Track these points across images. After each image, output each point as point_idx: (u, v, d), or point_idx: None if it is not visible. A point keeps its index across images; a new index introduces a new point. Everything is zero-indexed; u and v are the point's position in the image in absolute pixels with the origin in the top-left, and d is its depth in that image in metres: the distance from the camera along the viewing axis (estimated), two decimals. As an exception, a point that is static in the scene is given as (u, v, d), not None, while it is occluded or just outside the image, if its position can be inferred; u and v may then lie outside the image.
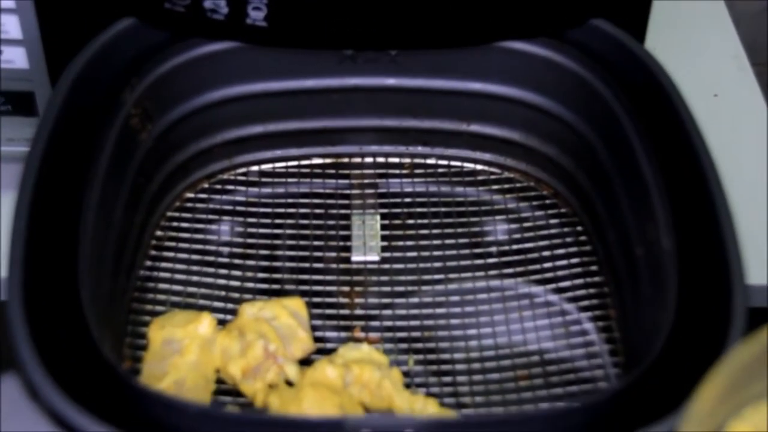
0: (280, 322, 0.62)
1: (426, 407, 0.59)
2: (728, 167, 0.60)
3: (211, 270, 0.66)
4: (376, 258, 0.69)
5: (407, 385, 0.61)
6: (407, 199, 0.72)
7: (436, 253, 0.68)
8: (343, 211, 0.71)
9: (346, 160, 0.73)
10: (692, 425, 0.40)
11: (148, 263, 0.66)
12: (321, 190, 0.72)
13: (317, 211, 0.71)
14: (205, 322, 0.61)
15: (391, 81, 0.70)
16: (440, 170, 0.73)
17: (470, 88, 0.70)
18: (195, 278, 0.66)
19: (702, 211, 0.57)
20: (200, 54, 0.66)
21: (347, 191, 0.72)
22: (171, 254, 0.67)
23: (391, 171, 0.73)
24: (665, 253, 0.56)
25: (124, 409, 0.47)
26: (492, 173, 0.73)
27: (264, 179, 0.72)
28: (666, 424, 0.47)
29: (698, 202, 0.58)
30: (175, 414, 0.48)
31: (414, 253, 0.68)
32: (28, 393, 0.47)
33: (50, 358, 0.48)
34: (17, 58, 0.69)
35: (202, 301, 0.65)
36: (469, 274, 0.67)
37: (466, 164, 0.73)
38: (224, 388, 0.60)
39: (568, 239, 0.69)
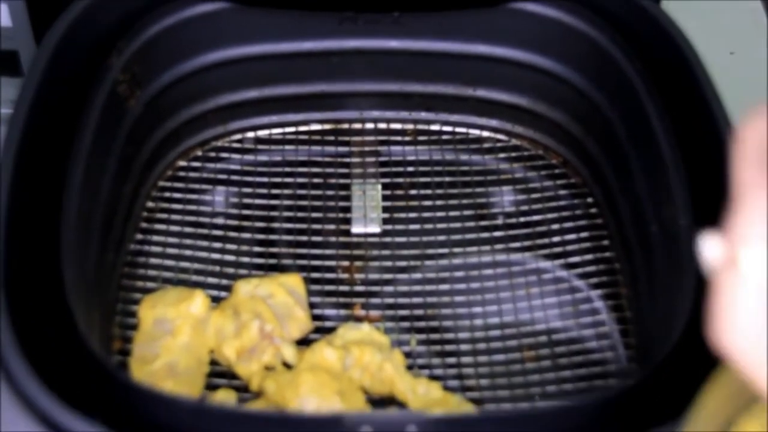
0: (277, 300, 0.59)
1: (429, 391, 0.57)
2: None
3: (204, 243, 0.64)
4: (377, 230, 0.66)
5: (409, 367, 0.58)
6: (410, 168, 0.69)
7: (439, 225, 0.66)
8: (342, 180, 0.68)
9: (345, 125, 0.70)
10: (701, 423, 0.38)
11: (139, 236, 0.63)
12: (319, 158, 0.69)
13: (315, 180, 0.68)
14: (198, 301, 0.59)
15: (393, 43, 0.66)
16: (444, 137, 0.70)
17: (476, 51, 0.67)
18: (188, 252, 0.63)
19: (720, 188, 0.54)
20: (192, 15, 0.63)
21: (347, 159, 0.69)
22: (163, 227, 0.64)
23: (393, 137, 0.70)
24: (682, 231, 0.53)
25: (113, 406, 0.45)
26: (498, 140, 0.70)
27: (260, 146, 0.69)
28: (682, 421, 0.45)
29: (716, 177, 0.54)
30: (166, 410, 0.45)
31: (417, 225, 0.65)
32: (11, 389, 0.44)
33: (34, 350, 0.45)
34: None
35: (195, 277, 0.62)
36: (474, 248, 0.65)
37: (471, 131, 0.70)
38: (218, 370, 0.58)
39: (578, 211, 0.66)
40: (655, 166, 0.58)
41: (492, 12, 0.64)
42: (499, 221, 0.66)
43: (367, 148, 0.70)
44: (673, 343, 0.48)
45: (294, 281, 0.61)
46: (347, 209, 0.66)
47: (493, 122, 0.70)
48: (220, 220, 0.65)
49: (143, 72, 0.62)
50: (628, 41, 0.62)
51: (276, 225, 0.65)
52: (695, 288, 0.51)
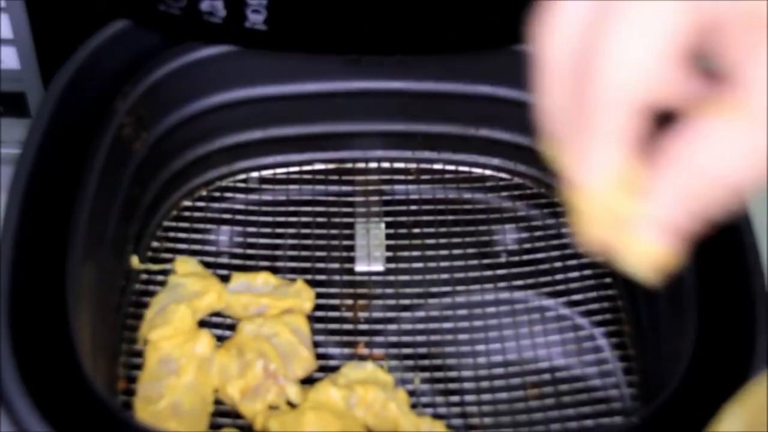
0: (281, 339, 0.60)
1: (433, 430, 0.57)
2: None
3: (209, 282, 0.64)
4: (380, 268, 0.66)
5: (413, 406, 0.58)
6: (413, 206, 0.69)
7: (443, 263, 0.66)
8: (346, 219, 0.68)
9: (349, 165, 0.71)
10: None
11: (144, 277, 0.64)
12: (323, 197, 0.69)
13: (319, 219, 0.68)
14: (203, 341, 0.59)
15: (396, 84, 0.67)
16: (447, 176, 0.71)
17: (479, 91, 0.67)
18: (192, 291, 0.63)
19: (723, 228, 0.54)
20: (196, 58, 0.64)
21: (351, 198, 0.69)
22: (168, 266, 0.64)
23: (396, 177, 0.70)
24: (684, 272, 0.54)
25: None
26: (501, 179, 0.70)
27: (264, 186, 0.70)
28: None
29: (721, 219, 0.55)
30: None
31: (420, 264, 0.66)
32: (14, 427, 0.44)
33: (37, 389, 0.46)
34: (8, 58, 0.67)
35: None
36: (477, 286, 0.65)
37: (474, 169, 0.71)
38: (222, 410, 0.58)
39: (581, 250, 0.66)
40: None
41: (493, 54, 0.65)
42: (503, 259, 0.66)
43: (370, 188, 0.70)
44: (676, 382, 0.49)
45: (298, 320, 0.61)
46: (351, 248, 0.67)
47: (496, 161, 0.70)
48: (224, 260, 0.65)
49: (149, 114, 0.63)
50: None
51: (280, 264, 0.66)
52: (697, 327, 0.51)
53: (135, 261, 0.63)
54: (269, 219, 0.68)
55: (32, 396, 0.46)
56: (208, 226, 0.67)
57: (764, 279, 0.52)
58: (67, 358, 0.48)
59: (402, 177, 0.71)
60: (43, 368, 0.47)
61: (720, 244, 0.54)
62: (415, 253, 0.66)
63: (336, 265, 0.66)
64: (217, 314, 0.62)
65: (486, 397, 0.60)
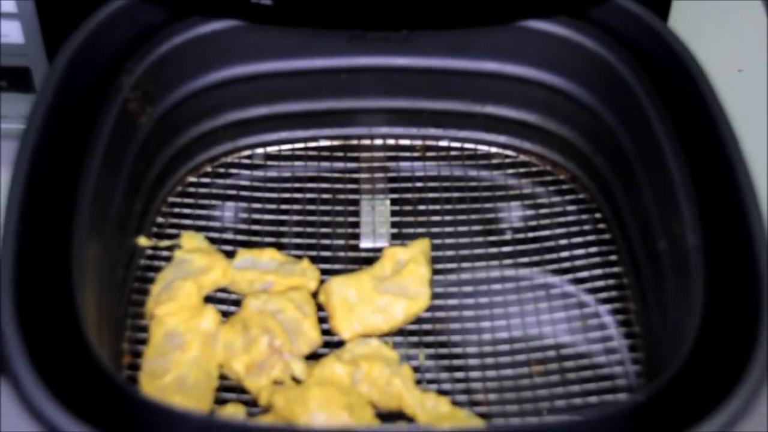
0: (286, 315, 0.60)
1: (437, 406, 0.57)
2: (753, 145, 0.58)
3: (214, 258, 0.64)
4: (385, 245, 0.66)
5: (418, 382, 0.59)
6: (418, 183, 0.69)
7: (448, 240, 0.66)
8: (351, 196, 0.68)
9: (355, 142, 0.71)
10: None
11: (149, 252, 0.64)
12: (328, 174, 0.69)
13: (324, 195, 0.68)
14: (209, 317, 0.59)
15: (402, 61, 0.67)
16: (453, 153, 0.70)
17: (485, 68, 0.67)
18: (197, 267, 0.63)
19: (729, 205, 0.54)
20: (202, 33, 0.63)
21: (356, 175, 0.69)
22: (173, 242, 0.64)
23: (401, 153, 0.70)
24: (691, 249, 0.54)
25: (122, 420, 0.45)
26: (507, 156, 0.70)
27: (269, 162, 0.69)
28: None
29: (725, 196, 0.55)
30: (176, 424, 0.45)
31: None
32: (20, 400, 0.44)
33: (43, 363, 0.46)
34: (12, 32, 0.67)
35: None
36: (482, 263, 0.65)
37: (480, 147, 0.70)
38: (227, 385, 0.58)
39: (586, 227, 0.66)
40: (664, 183, 0.58)
41: (501, 30, 0.65)
42: (508, 236, 0.66)
43: (376, 164, 0.70)
44: (681, 360, 0.48)
45: (303, 297, 0.61)
46: (356, 224, 0.67)
47: (502, 138, 0.70)
48: (229, 236, 0.65)
49: (154, 89, 0.63)
50: (636, 59, 0.62)
51: (285, 240, 0.66)
52: (704, 304, 0.51)
53: (141, 238, 0.63)
54: (274, 195, 0.67)
55: (38, 370, 0.45)
56: (213, 202, 0.67)
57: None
58: (73, 332, 0.48)
59: (407, 154, 0.70)
60: (49, 343, 0.47)
61: (726, 221, 0.53)
62: (420, 230, 0.66)
63: (341, 242, 0.66)
64: (223, 290, 0.62)
65: (490, 373, 0.60)
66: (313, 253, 0.65)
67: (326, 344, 0.60)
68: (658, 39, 0.63)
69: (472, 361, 0.60)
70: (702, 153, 0.57)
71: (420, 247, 0.63)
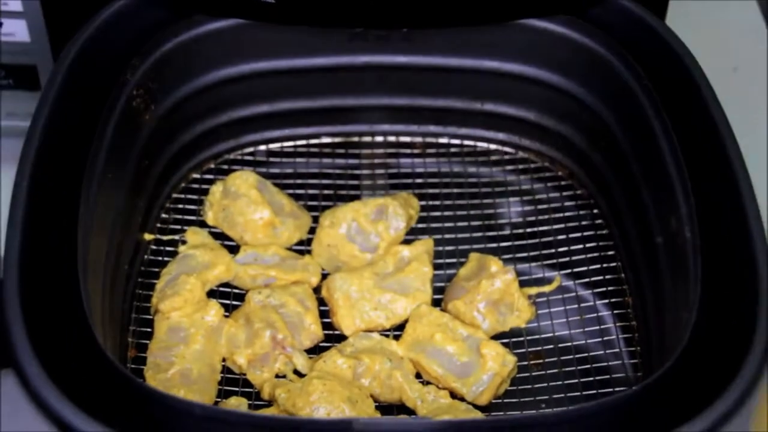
0: (289, 309, 0.61)
1: (437, 399, 0.57)
2: (749, 141, 0.58)
3: (217, 254, 0.65)
4: (386, 240, 0.67)
5: (418, 375, 0.59)
6: (418, 180, 0.70)
7: (447, 235, 0.67)
8: (352, 192, 0.69)
9: (356, 139, 0.71)
10: None
11: (153, 247, 0.64)
12: (330, 170, 0.70)
13: (326, 191, 0.69)
14: (212, 311, 0.60)
15: (402, 59, 0.68)
16: (453, 150, 0.71)
17: (484, 66, 0.68)
18: (201, 262, 0.64)
19: (726, 201, 0.55)
20: (205, 31, 0.64)
21: (357, 171, 0.70)
22: (176, 237, 0.65)
23: (402, 150, 0.71)
24: (687, 244, 0.54)
25: (128, 411, 0.46)
26: (506, 153, 0.71)
27: (272, 159, 0.70)
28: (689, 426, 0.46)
29: (722, 191, 0.55)
30: (179, 415, 0.46)
31: (425, 236, 0.66)
32: (25, 393, 0.45)
33: (49, 356, 0.47)
34: (18, 30, 0.68)
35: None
36: (482, 258, 0.66)
37: (479, 144, 0.71)
38: (230, 378, 0.59)
39: (584, 222, 0.67)
40: (660, 179, 0.59)
41: (500, 28, 0.65)
42: (507, 232, 0.67)
43: (376, 161, 0.71)
44: (677, 354, 0.49)
45: (305, 291, 0.62)
46: (357, 220, 0.68)
47: (501, 135, 0.71)
48: (232, 231, 0.66)
49: (158, 87, 0.64)
50: (633, 57, 0.63)
51: (287, 236, 0.66)
52: (700, 299, 0.52)
53: (145, 234, 0.64)
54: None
55: (44, 364, 0.46)
56: (217, 198, 0.68)
57: (767, 247, 0.52)
58: (79, 327, 0.49)
59: (408, 151, 0.71)
60: (55, 337, 0.48)
61: (723, 216, 0.54)
62: (420, 226, 0.67)
63: (342, 237, 0.67)
64: (226, 285, 0.63)
65: (490, 366, 0.60)
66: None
67: (328, 338, 0.61)
68: (656, 37, 0.64)
69: (472, 355, 0.61)
70: (699, 149, 0.57)
71: (424, 247, 0.64)
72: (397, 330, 0.62)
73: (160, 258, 0.64)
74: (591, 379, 0.59)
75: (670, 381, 0.48)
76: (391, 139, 0.72)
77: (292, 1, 0.62)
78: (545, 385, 0.59)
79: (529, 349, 0.61)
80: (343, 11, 0.63)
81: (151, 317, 0.61)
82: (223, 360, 0.59)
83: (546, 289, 0.64)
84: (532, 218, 0.68)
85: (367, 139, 0.71)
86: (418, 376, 0.59)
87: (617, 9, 0.64)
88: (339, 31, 0.66)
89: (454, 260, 0.65)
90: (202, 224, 0.66)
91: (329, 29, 0.66)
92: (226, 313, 0.61)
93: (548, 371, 0.60)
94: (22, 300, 0.49)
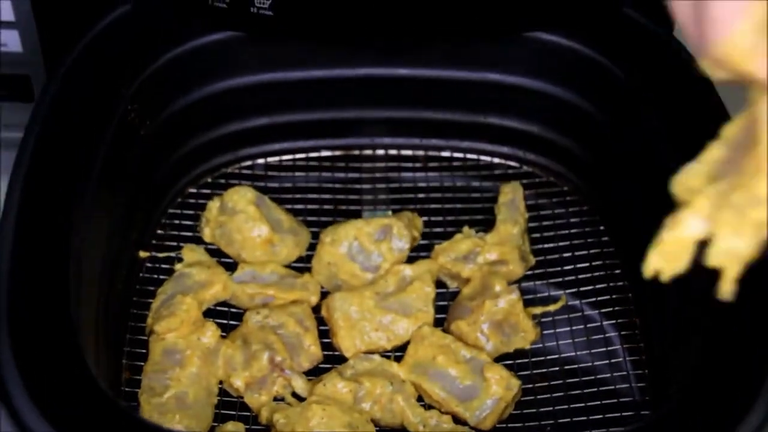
0: (287, 330, 0.59)
1: (440, 424, 0.56)
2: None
3: (214, 272, 0.63)
4: (387, 257, 0.65)
5: (420, 399, 0.58)
6: (420, 194, 0.68)
7: (450, 252, 0.65)
8: (353, 207, 0.68)
9: (356, 152, 0.70)
10: None
11: (148, 265, 0.63)
12: (330, 184, 0.69)
13: (326, 206, 0.67)
14: (209, 332, 0.58)
15: (404, 71, 0.66)
16: (455, 163, 0.70)
17: (488, 78, 0.66)
18: (197, 280, 0.63)
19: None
20: (202, 44, 0.63)
21: (358, 185, 0.69)
22: (173, 254, 0.64)
23: (404, 164, 0.70)
24: (694, 264, 0.53)
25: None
26: (510, 167, 0.70)
27: (270, 172, 0.69)
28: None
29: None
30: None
31: (426, 252, 0.65)
32: (15, 427, 0.44)
33: (39, 388, 0.45)
34: (11, 41, 0.66)
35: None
36: (485, 276, 0.64)
37: (482, 157, 0.70)
38: (227, 401, 0.58)
39: (590, 239, 0.66)
40: (667, 194, 0.57)
41: (504, 41, 0.64)
42: (511, 249, 0.66)
43: (377, 174, 0.69)
44: (688, 379, 0.48)
45: (304, 311, 0.61)
46: (358, 236, 0.66)
47: (504, 149, 0.70)
48: (230, 248, 0.65)
49: (154, 100, 0.62)
50: (639, 70, 0.62)
51: (286, 252, 0.65)
52: (708, 319, 0.50)
53: (141, 251, 0.63)
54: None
55: (34, 396, 0.45)
56: (214, 213, 0.66)
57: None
58: (70, 355, 0.47)
59: (409, 164, 0.70)
60: (45, 367, 0.47)
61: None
62: (422, 242, 0.65)
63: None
64: (223, 303, 0.62)
65: (494, 388, 0.59)
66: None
67: (327, 359, 0.60)
68: (663, 50, 0.62)
69: (475, 377, 0.60)
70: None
71: (427, 266, 0.62)
72: (399, 351, 0.60)
73: (156, 276, 0.62)
74: (598, 402, 0.58)
75: (684, 410, 0.47)
76: (393, 152, 0.70)
77: (291, 14, 0.61)
78: (551, 408, 0.58)
79: (534, 371, 0.60)
80: (343, 24, 0.62)
81: (145, 338, 0.59)
82: (220, 383, 0.58)
83: (551, 308, 0.62)
84: (537, 234, 0.66)
85: (368, 152, 0.70)
86: (420, 399, 0.58)
87: (623, 21, 0.63)
88: (339, 44, 0.65)
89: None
90: (199, 240, 0.65)
91: (329, 42, 0.64)
92: (223, 334, 0.59)
93: (554, 394, 0.59)
94: (11, 325, 0.47)
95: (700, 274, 0.52)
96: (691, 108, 0.60)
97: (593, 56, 0.63)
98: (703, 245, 0.38)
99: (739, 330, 0.50)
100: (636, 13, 0.62)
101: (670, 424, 0.46)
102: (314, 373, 0.59)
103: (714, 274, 0.52)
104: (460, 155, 0.70)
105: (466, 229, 0.65)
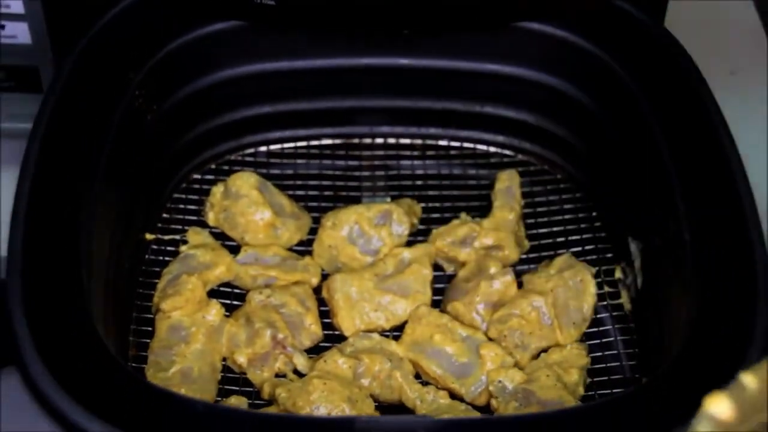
0: (289, 309, 0.61)
1: (437, 399, 0.58)
2: (748, 146, 0.59)
3: (218, 254, 0.65)
4: (386, 242, 0.67)
5: (417, 375, 0.60)
6: (418, 182, 0.70)
7: (447, 238, 0.67)
8: (352, 194, 0.69)
9: (356, 140, 0.72)
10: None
11: (154, 247, 0.65)
12: (330, 172, 0.71)
13: (326, 192, 0.69)
14: (213, 311, 0.60)
15: (403, 61, 0.68)
16: (452, 152, 0.72)
17: (484, 69, 0.68)
18: (202, 262, 0.65)
19: (725, 202, 0.55)
20: (206, 33, 0.65)
21: (357, 173, 0.71)
22: (177, 237, 0.65)
23: (402, 152, 0.72)
24: (686, 246, 0.55)
25: (130, 408, 0.46)
26: (505, 156, 0.71)
27: (272, 159, 0.71)
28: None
29: (721, 193, 0.56)
30: (182, 412, 0.46)
31: (424, 237, 0.66)
32: (28, 391, 0.46)
33: (52, 354, 0.47)
34: (20, 33, 0.67)
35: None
36: (481, 260, 0.66)
37: (479, 146, 0.72)
38: (230, 377, 0.59)
39: (583, 225, 0.67)
40: (659, 182, 0.59)
41: (501, 31, 0.66)
42: (506, 234, 0.68)
43: (377, 162, 0.71)
44: (676, 353, 0.50)
45: (305, 292, 0.62)
46: (357, 222, 0.68)
47: (500, 138, 0.71)
48: (233, 232, 0.67)
49: (160, 87, 0.64)
50: (632, 60, 0.64)
51: (288, 236, 0.67)
52: (698, 300, 0.52)
53: (147, 234, 0.64)
54: (277, 192, 0.69)
55: (47, 362, 0.47)
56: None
57: (765, 250, 0.53)
58: (82, 323, 0.49)
59: (407, 153, 0.72)
60: (58, 334, 0.49)
61: (722, 218, 0.55)
62: (420, 227, 0.67)
63: (342, 239, 0.67)
64: (227, 284, 0.64)
65: (489, 367, 0.61)
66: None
67: (327, 338, 0.62)
68: (654, 40, 0.64)
69: (471, 355, 0.61)
70: (697, 152, 0.58)
71: (425, 250, 0.64)
72: (397, 331, 0.62)
73: (161, 258, 0.64)
74: (589, 379, 0.60)
75: (669, 381, 0.49)
76: (391, 141, 0.72)
77: (293, 4, 0.62)
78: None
79: (528, 350, 0.62)
80: (344, 14, 0.63)
81: (152, 316, 0.61)
82: (224, 359, 0.60)
83: None
84: (531, 220, 0.68)
85: (368, 140, 0.72)
86: (417, 376, 0.60)
87: (616, 12, 0.64)
88: (340, 34, 0.66)
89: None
90: (203, 224, 0.66)
91: (330, 32, 0.66)
92: (227, 313, 0.61)
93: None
94: (25, 299, 0.49)
95: (690, 256, 0.55)
96: (681, 96, 0.61)
97: (587, 47, 0.65)
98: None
99: (727, 309, 0.51)
100: (627, 4, 0.64)
101: (659, 390, 0.48)
102: (314, 352, 0.61)
103: (703, 257, 0.54)
104: (457, 144, 0.72)
105: (463, 215, 0.66)
